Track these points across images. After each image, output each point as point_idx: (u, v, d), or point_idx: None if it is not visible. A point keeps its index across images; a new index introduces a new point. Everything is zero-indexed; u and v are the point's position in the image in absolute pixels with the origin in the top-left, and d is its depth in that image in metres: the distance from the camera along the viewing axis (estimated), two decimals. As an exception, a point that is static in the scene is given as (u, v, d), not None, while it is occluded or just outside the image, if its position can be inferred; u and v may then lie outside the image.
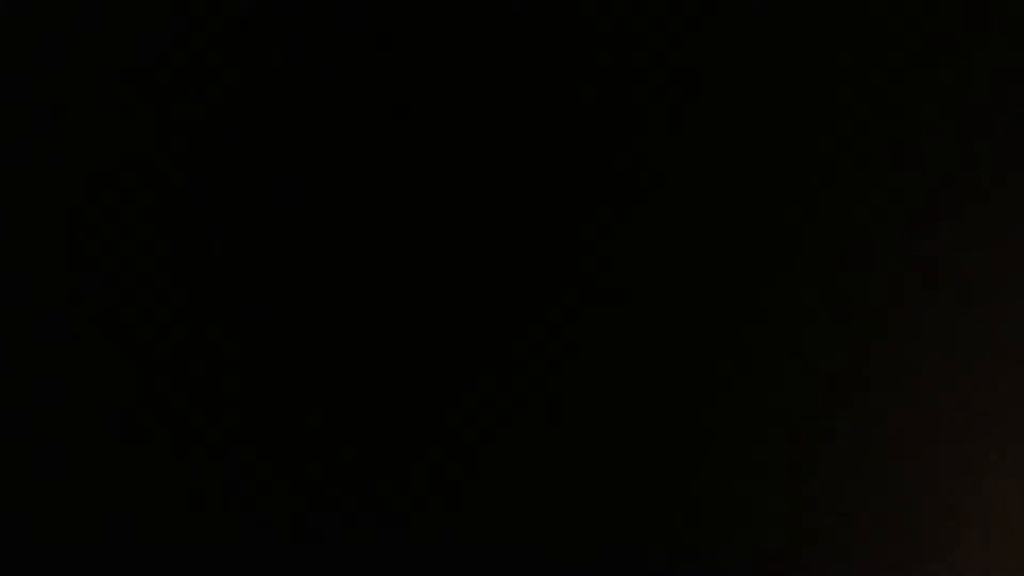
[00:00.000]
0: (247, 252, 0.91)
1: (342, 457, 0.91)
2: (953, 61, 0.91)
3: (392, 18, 0.92)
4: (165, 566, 0.90)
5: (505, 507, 0.91)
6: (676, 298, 0.91)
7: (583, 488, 0.91)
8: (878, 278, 0.91)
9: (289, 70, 0.92)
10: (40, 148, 0.91)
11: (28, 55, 0.92)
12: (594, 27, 0.92)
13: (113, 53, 0.92)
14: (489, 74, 0.92)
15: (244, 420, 0.91)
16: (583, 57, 0.92)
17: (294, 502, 0.91)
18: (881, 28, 0.92)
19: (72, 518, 0.90)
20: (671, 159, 0.92)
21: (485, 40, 0.92)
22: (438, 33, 0.92)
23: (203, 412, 0.91)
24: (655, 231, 0.92)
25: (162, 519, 0.90)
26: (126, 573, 0.90)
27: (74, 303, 0.91)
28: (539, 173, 0.92)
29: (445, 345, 0.91)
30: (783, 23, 0.92)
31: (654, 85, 0.92)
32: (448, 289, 0.91)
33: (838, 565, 0.90)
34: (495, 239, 0.92)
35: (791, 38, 0.92)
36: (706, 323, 0.91)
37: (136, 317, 0.91)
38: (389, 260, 0.92)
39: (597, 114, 0.92)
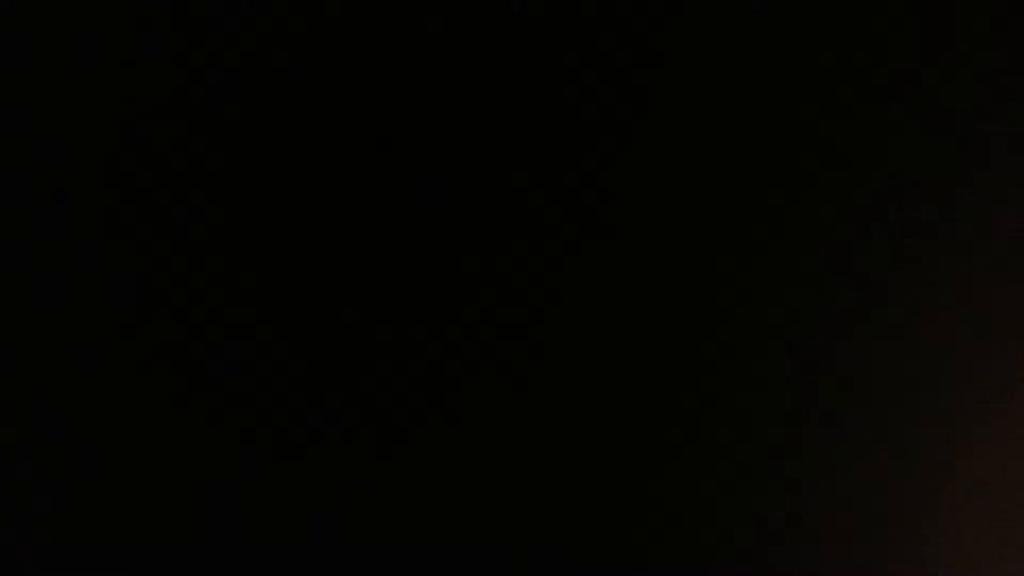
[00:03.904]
0: (246, 251, 0.91)
1: (342, 457, 0.91)
2: (953, 61, 0.92)
3: (392, 18, 0.92)
4: (165, 566, 0.90)
5: (506, 507, 0.91)
6: (675, 298, 0.91)
7: (583, 488, 0.91)
8: (877, 275, 0.91)
9: (289, 70, 0.92)
10: (40, 148, 0.92)
11: (28, 55, 0.92)
12: (594, 27, 0.92)
13: (113, 53, 0.92)
14: (486, 73, 0.92)
15: (244, 419, 0.91)
16: (583, 57, 0.92)
17: (294, 502, 0.91)
18: (881, 28, 0.92)
19: (71, 518, 0.90)
20: (671, 158, 0.92)
21: (484, 39, 0.92)
22: (437, 32, 0.92)
23: (203, 412, 0.91)
24: (654, 231, 0.92)
25: (162, 519, 0.90)
26: (126, 573, 0.90)
27: (74, 303, 0.91)
28: (540, 171, 0.92)
29: (444, 345, 0.91)
30: (782, 23, 0.92)
31: (653, 84, 0.92)
32: (448, 289, 0.91)
33: (837, 565, 0.90)
34: (490, 237, 0.92)
35: (791, 38, 0.92)
36: (705, 324, 0.91)
37: (136, 317, 0.91)
38: (389, 260, 0.92)
39: (594, 110, 0.92)
